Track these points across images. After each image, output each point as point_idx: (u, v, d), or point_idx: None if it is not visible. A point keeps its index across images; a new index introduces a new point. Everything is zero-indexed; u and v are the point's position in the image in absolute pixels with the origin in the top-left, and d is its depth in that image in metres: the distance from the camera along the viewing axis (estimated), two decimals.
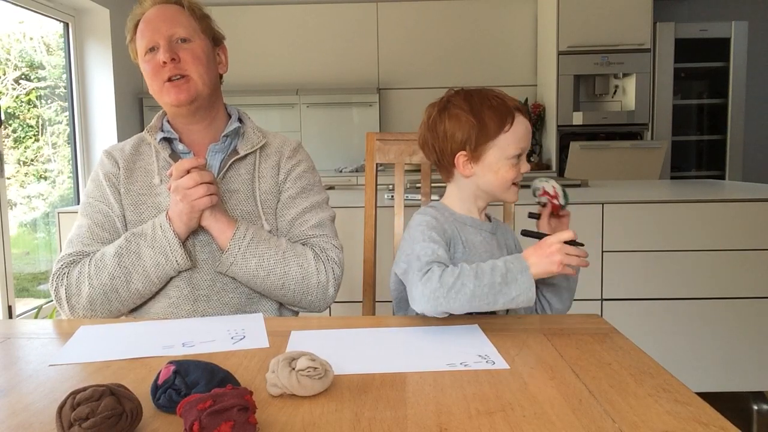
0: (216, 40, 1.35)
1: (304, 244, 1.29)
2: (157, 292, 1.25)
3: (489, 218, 1.27)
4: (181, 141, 1.32)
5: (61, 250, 1.29)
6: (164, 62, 1.24)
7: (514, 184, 1.17)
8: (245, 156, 1.32)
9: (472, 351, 0.92)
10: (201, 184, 1.16)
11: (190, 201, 1.16)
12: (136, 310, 1.27)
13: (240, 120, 1.38)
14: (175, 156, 1.31)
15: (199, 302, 1.25)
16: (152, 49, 1.26)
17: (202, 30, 1.30)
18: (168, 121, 1.35)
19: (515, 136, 1.14)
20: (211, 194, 1.18)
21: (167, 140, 1.33)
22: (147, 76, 1.28)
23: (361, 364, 0.87)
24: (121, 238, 1.23)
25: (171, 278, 1.24)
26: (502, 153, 1.15)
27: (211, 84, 1.30)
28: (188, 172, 1.17)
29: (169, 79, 1.26)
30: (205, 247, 1.26)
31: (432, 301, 0.99)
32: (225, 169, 1.30)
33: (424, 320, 1.06)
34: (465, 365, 0.85)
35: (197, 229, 1.23)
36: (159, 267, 1.20)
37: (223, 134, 1.32)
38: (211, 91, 1.30)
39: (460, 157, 1.16)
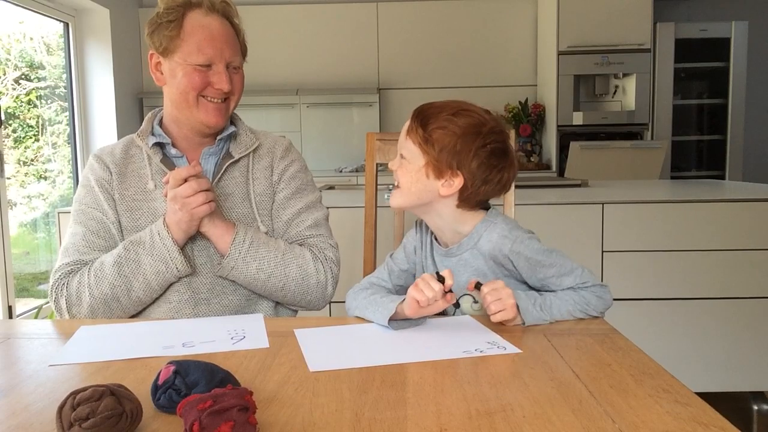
0: None
1: (301, 245, 1.29)
2: (158, 298, 1.25)
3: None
4: (173, 145, 1.30)
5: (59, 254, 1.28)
6: (220, 88, 1.23)
7: None
8: (238, 159, 1.32)
9: (481, 338, 0.95)
10: (199, 192, 1.15)
11: (190, 210, 1.15)
12: (136, 315, 1.27)
13: (232, 122, 1.37)
14: (167, 161, 1.29)
15: (200, 305, 1.25)
16: (206, 64, 1.23)
17: (244, 57, 1.34)
18: (159, 125, 1.32)
19: None
20: (209, 201, 1.17)
21: (158, 144, 1.30)
22: (184, 83, 1.22)
23: (375, 356, 0.89)
24: (119, 246, 1.22)
25: (171, 284, 1.24)
26: None
27: None
28: (185, 180, 1.15)
29: (208, 97, 1.25)
30: (203, 251, 1.25)
31: None
32: (220, 174, 1.29)
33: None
34: (480, 351, 0.89)
35: (194, 233, 1.23)
36: (159, 275, 1.20)
37: (218, 138, 1.32)
38: None
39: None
